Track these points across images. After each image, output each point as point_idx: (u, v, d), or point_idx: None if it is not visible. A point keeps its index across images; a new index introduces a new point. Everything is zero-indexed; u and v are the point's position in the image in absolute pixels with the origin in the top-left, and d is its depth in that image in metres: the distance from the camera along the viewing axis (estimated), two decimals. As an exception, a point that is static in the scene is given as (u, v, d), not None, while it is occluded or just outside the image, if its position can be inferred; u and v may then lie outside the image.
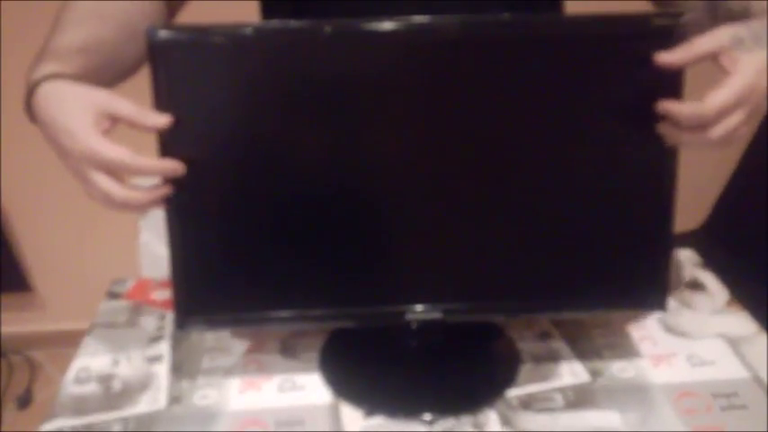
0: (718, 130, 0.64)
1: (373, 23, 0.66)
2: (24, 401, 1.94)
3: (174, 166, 0.67)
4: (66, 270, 2.00)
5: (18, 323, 2.08)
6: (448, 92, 0.69)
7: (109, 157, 0.64)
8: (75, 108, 0.64)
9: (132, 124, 0.66)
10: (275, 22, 0.67)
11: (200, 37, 0.66)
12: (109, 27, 0.74)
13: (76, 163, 0.65)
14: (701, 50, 0.64)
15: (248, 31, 0.66)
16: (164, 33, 0.66)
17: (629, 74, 0.68)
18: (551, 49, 0.67)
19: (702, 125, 0.64)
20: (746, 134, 0.66)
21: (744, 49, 0.64)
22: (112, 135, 0.66)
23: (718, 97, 0.63)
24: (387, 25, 0.66)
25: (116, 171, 0.66)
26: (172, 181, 0.69)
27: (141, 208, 0.68)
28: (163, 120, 0.66)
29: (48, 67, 0.67)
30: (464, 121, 0.70)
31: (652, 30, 0.66)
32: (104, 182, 0.65)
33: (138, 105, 0.65)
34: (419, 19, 0.66)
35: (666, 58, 0.64)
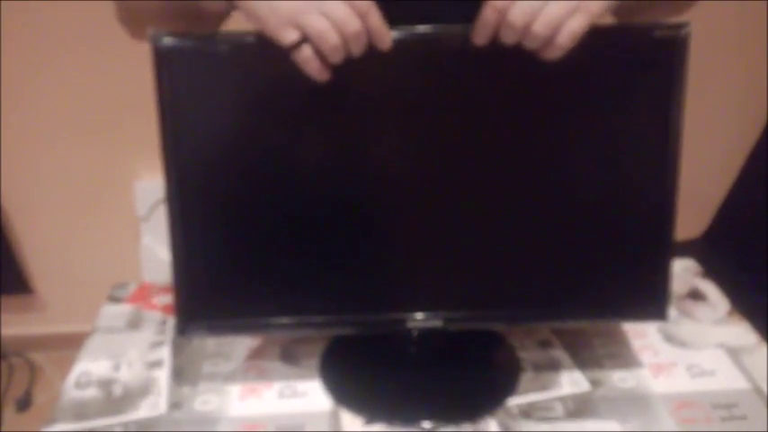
0: (539, 23, 0.62)
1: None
2: (24, 404, 1.94)
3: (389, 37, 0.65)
4: (66, 273, 2.00)
5: (18, 325, 2.07)
6: (451, 101, 0.69)
7: None
8: None
9: None
10: None
11: (205, 44, 0.66)
12: None
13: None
14: None
15: (252, 39, 0.66)
16: (168, 40, 0.66)
17: (632, 84, 0.68)
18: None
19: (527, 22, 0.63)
20: (577, 30, 0.63)
21: None
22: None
23: None
24: (392, 34, 0.65)
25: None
26: (177, 186, 0.69)
27: (386, 37, 0.65)
28: None
29: None
30: (466, 130, 0.70)
31: (655, 40, 0.67)
32: (343, 8, 0.62)
33: None
34: (422, 28, 0.66)
35: None
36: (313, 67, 0.65)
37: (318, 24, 0.62)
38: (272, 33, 0.63)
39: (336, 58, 0.64)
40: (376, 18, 0.64)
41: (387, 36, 0.65)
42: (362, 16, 0.63)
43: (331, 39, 0.63)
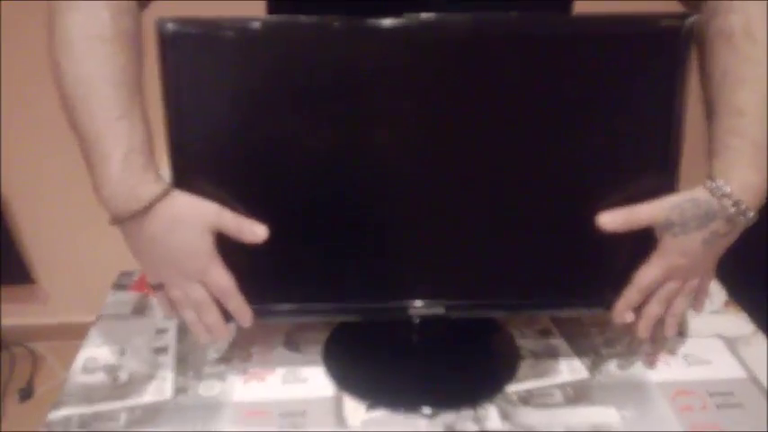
0: (657, 300, 0.74)
1: (382, 20, 0.66)
2: (26, 394, 1.94)
3: (249, 317, 0.75)
4: (68, 263, 2.00)
5: (20, 315, 2.08)
6: (455, 89, 0.69)
7: (221, 283, 0.71)
8: (196, 229, 0.69)
9: (234, 236, 0.70)
10: (285, 17, 0.68)
11: (210, 30, 0.66)
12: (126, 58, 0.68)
13: (181, 275, 0.71)
14: (639, 223, 0.71)
15: (257, 25, 0.66)
16: (173, 26, 0.66)
17: (637, 74, 0.68)
18: (559, 48, 0.68)
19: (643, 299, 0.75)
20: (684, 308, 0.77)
21: (671, 233, 0.70)
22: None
23: (646, 275, 0.73)
24: (396, 22, 0.66)
25: (216, 294, 0.72)
26: (181, 173, 0.70)
27: (216, 336, 0.75)
28: (262, 231, 0.70)
29: (156, 183, 0.68)
30: (469, 119, 0.70)
31: (660, 30, 0.67)
32: (203, 298, 0.72)
33: (238, 218, 0.71)
34: (428, 16, 0.66)
35: (606, 219, 0.71)
36: (161, 307, 0.76)
37: (177, 295, 0.73)
38: (143, 269, 0.74)
39: (186, 318, 0.74)
40: (234, 302, 0.73)
41: (247, 316, 0.75)
42: (223, 300, 0.73)
43: (187, 315, 0.74)
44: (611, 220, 0.71)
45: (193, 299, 0.72)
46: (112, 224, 0.70)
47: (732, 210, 0.68)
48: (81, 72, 0.66)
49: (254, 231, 0.70)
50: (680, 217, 0.69)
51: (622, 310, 0.75)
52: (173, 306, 0.75)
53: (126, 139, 0.66)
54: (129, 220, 0.68)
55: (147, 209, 0.67)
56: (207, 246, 0.70)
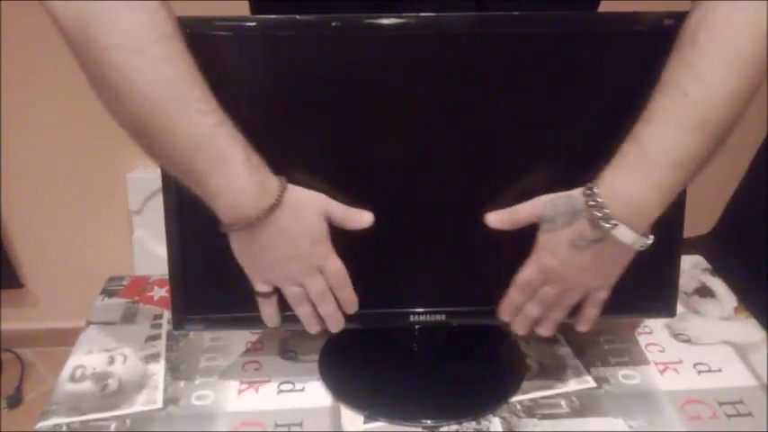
0: (535, 301, 0.71)
1: (381, 19, 0.65)
2: (15, 401, 1.93)
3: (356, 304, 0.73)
4: (58, 267, 1.99)
5: (9, 321, 2.06)
6: (455, 88, 0.67)
7: (339, 269, 0.70)
8: (315, 214, 0.68)
9: (340, 223, 0.69)
10: (282, 17, 0.66)
11: (204, 29, 0.65)
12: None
13: (303, 268, 0.69)
14: (522, 220, 0.69)
15: (253, 24, 0.65)
16: None
17: (638, 74, 0.66)
18: (560, 46, 0.66)
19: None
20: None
21: (542, 230, 0.68)
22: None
23: (521, 273, 0.70)
24: (395, 21, 0.65)
25: (333, 281, 0.70)
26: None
27: (333, 325, 0.73)
28: (368, 218, 0.69)
29: (273, 175, 0.66)
30: (470, 119, 0.68)
31: (661, 29, 0.65)
32: (324, 288, 0.70)
33: (344, 206, 0.70)
34: (427, 15, 0.65)
35: (491, 219, 0.70)
36: (269, 316, 0.73)
37: (296, 292, 0.70)
38: (250, 277, 0.70)
39: (303, 314, 0.72)
40: (348, 288, 0.71)
41: (355, 302, 0.72)
42: (338, 286, 0.71)
43: (304, 310, 0.72)
44: (495, 219, 0.70)
45: (314, 290, 0.70)
46: (233, 230, 0.67)
47: (592, 211, 0.64)
48: (161, 76, 0.61)
49: (361, 218, 0.69)
50: (552, 213, 0.67)
51: (505, 309, 0.73)
52: (289, 305, 0.72)
53: (236, 139, 0.64)
54: (256, 221, 0.65)
55: (279, 201, 0.65)
56: (326, 231, 0.69)
